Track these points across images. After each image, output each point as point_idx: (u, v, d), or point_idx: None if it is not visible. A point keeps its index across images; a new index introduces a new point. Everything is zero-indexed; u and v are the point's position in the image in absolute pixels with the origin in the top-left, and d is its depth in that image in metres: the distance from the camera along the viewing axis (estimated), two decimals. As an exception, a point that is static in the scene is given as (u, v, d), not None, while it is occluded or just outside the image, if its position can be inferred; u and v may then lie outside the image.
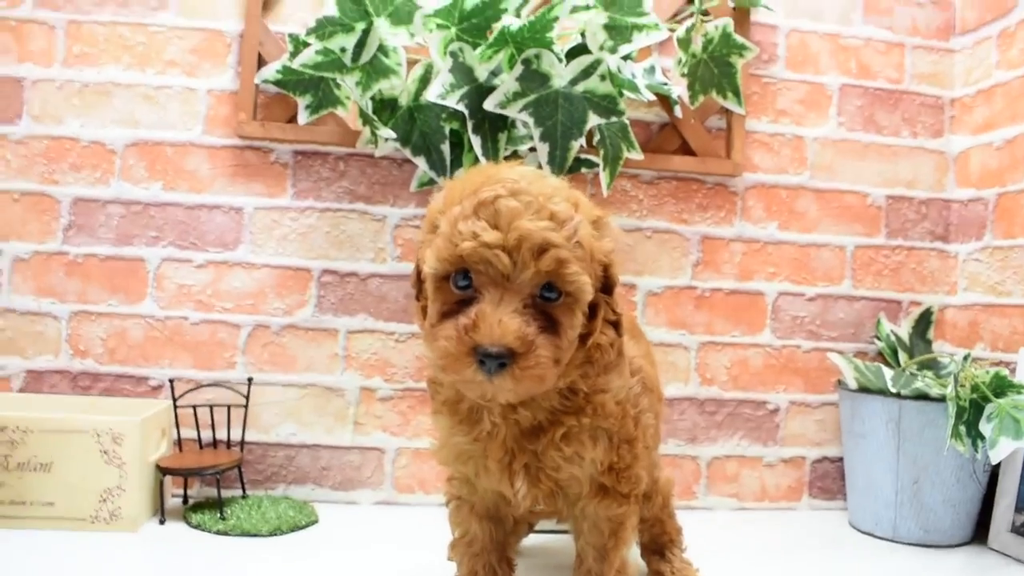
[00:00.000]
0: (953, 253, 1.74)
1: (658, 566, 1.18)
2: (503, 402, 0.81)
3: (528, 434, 0.87)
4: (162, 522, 1.36)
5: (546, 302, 0.77)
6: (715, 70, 1.57)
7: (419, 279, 0.85)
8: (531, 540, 1.35)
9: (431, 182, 1.51)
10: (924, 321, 1.69)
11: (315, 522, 1.41)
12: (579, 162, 1.48)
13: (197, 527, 1.34)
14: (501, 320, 0.74)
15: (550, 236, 0.75)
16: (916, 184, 1.74)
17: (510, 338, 0.73)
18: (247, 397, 1.50)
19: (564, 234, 0.76)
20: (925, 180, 1.74)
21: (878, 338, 1.69)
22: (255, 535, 1.32)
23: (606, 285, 0.84)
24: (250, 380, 1.51)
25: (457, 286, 0.78)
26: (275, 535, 1.33)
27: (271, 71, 1.47)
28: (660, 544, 1.20)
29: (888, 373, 1.48)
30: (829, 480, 1.70)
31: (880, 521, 1.50)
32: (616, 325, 0.86)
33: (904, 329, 1.69)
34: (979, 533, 1.50)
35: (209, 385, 1.51)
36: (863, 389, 1.53)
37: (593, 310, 0.83)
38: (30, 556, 1.17)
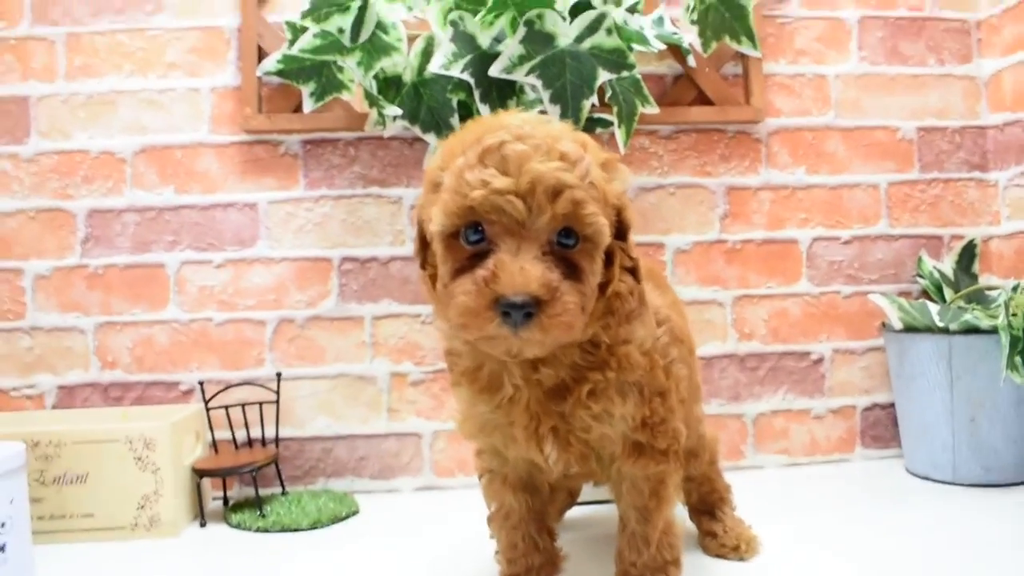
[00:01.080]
0: (993, 181, 1.66)
1: (709, 526, 1.14)
2: (530, 356, 0.76)
3: (552, 395, 0.83)
4: (203, 524, 1.35)
5: (564, 248, 0.73)
6: (726, 14, 1.51)
7: (423, 245, 0.81)
8: (576, 512, 1.32)
9: (443, 158, 1.47)
10: (968, 254, 1.62)
11: (356, 512, 1.39)
12: (593, 122, 1.44)
13: (237, 527, 1.32)
14: (523, 267, 0.69)
15: (564, 177, 0.71)
16: (947, 113, 1.67)
17: (534, 285, 0.69)
18: (277, 393, 1.48)
19: (577, 174, 0.72)
20: (956, 108, 1.67)
21: (921, 276, 1.62)
22: (296, 530, 1.30)
23: (620, 230, 0.79)
24: (279, 376, 1.49)
25: (468, 241, 0.73)
26: (316, 528, 1.31)
27: (271, 62, 1.44)
28: (710, 503, 1.15)
29: (934, 308, 1.42)
30: (881, 427, 1.64)
31: (938, 464, 1.44)
32: (634, 272, 0.81)
33: (947, 265, 1.62)
34: (1045, 468, 1.44)
35: (239, 384, 1.50)
36: (909, 328, 1.47)
37: (609, 257, 0.78)
38: (74, 569, 1.16)
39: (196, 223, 1.54)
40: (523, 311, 0.69)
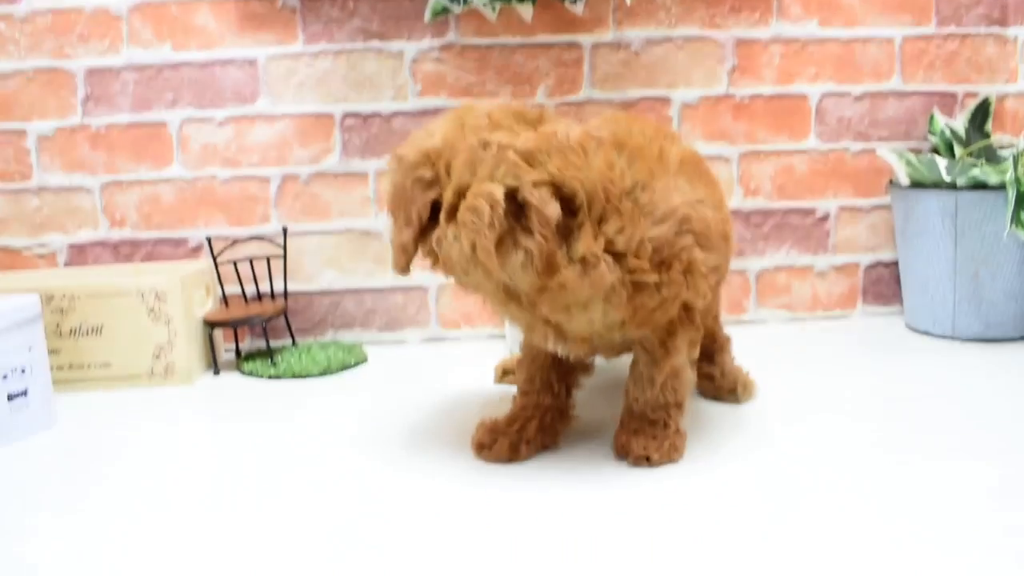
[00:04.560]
0: (1012, 37, 1.61)
1: (707, 370, 1.16)
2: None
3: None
4: (216, 373, 1.39)
5: None
6: None
7: None
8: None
9: (444, 11, 1.44)
10: (982, 112, 1.59)
11: (364, 361, 1.43)
12: (599, -29, 1.40)
13: (250, 374, 1.37)
14: None
15: None
16: (969, -37, 1.61)
17: None
18: (284, 248, 1.49)
19: None
20: (979, -43, 1.61)
21: (932, 134, 1.59)
22: (306, 376, 1.35)
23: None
24: (285, 230, 1.50)
25: None
26: (326, 375, 1.36)
27: (267, -91, 1.39)
28: (709, 352, 1.17)
29: (942, 163, 1.41)
30: (883, 285, 1.65)
31: (938, 319, 1.46)
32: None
33: (960, 122, 1.59)
34: (1044, 323, 1.46)
35: (246, 240, 1.51)
36: (916, 184, 1.46)
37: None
38: (93, 414, 1.21)
39: (196, 80, 1.51)
40: None
